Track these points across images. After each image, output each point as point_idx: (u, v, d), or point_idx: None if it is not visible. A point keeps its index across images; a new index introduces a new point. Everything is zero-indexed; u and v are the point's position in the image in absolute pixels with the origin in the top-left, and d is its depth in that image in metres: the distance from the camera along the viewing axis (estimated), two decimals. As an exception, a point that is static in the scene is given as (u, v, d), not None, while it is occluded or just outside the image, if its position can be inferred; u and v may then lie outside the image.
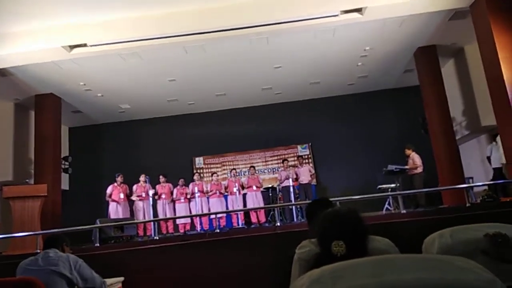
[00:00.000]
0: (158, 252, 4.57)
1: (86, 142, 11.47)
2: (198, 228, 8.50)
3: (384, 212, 7.58)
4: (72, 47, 6.96)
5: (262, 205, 8.85)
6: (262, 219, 8.68)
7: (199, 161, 11.41)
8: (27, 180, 8.52)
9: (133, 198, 8.44)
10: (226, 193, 9.01)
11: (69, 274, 2.61)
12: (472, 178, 8.83)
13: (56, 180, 8.92)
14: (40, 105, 9.11)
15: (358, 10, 6.66)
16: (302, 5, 6.63)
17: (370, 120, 11.03)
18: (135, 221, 7.94)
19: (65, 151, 10.44)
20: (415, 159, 7.73)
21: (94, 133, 11.62)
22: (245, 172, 10.73)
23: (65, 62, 7.55)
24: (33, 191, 6.40)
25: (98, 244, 5.36)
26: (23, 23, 6.64)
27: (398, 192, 7.20)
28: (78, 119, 11.04)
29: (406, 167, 7.75)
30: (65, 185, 10.15)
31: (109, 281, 3.60)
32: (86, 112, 10.70)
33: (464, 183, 7.77)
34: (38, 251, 4.90)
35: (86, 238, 7.02)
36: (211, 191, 8.82)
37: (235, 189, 8.63)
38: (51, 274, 2.55)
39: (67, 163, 10.08)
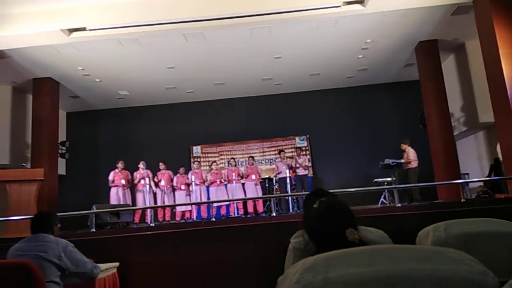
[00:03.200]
0: (153, 239, 4.60)
1: (83, 128, 11.44)
2: (195, 216, 8.52)
3: (379, 205, 7.62)
4: (71, 30, 6.90)
5: (260, 195, 8.87)
6: (260, 209, 8.71)
7: (196, 150, 11.40)
8: (23, 164, 8.50)
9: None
10: (226, 182, 9.02)
11: (57, 260, 2.58)
12: (468, 174, 8.88)
13: (53, 165, 8.91)
14: (38, 89, 9.05)
15: (361, 2, 6.63)
16: (304, -5, 6.58)
17: (369, 114, 11.02)
18: (131, 207, 7.96)
19: (62, 136, 10.41)
20: (409, 154, 7.77)
21: (92, 119, 11.57)
22: (243, 162, 10.74)
23: (63, 46, 7.47)
24: (29, 175, 6.38)
25: (94, 230, 5.38)
26: (22, 5, 6.56)
27: (393, 186, 7.23)
28: (76, 104, 10.98)
29: (402, 161, 7.79)
30: (61, 170, 10.14)
31: (104, 266, 3.62)
32: (84, 98, 10.64)
33: (460, 179, 7.81)
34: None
35: (82, 224, 7.05)
36: (210, 180, 8.82)
37: (233, 179, 8.64)
38: (40, 259, 2.54)
39: (64, 148, 10.06)
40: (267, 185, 9.22)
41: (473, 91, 8.71)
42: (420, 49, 8.80)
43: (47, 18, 6.68)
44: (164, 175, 8.75)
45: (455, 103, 9.22)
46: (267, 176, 9.50)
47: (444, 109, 8.51)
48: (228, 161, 10.39)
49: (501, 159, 6.82)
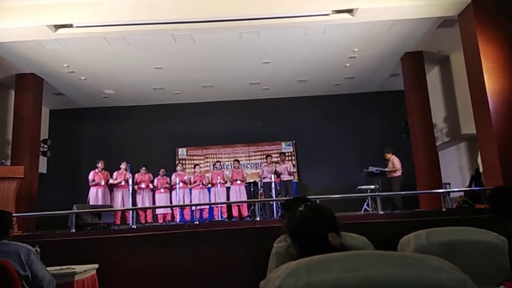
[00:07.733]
0: (135, 241, 4.53)
1: (66, 126, 11.22)
2: (178, 219, 8.44)
3: (362, 212, 7.69)
4: (58, 27, 6.77)
5: (245, 199, 8.85)
6: (245, 213, 8.69)
7: (181, 152, 11.32)
8: (3, 161, 8.29)
9: (111, 181, 8.30)
10: (209, 185, 8.96)
11: (22, 271, 2.35)
12: (449, 184, 9.04)
13: (33, 163, 8.71)
14: (21, 85, 8.85)
15: (349, 11, 6.70)
16: (294, 2, 6.63)
17: (354, 121, 11.15)
18: (113, 208, 7.84)
19: (44, 134, 10.19)
20: (395, 162, 7.88)
21: (76, 117, 11.36)
22: (228, 165, 10.72)
23: (49, 42, 7.32)
24: (9, 173, 6.23)
25: (74, 230, 5.27)
26: (7, -1, 6.43)
27: (376, 194, 7.32)
28: (60, 101, 10.77)
29: (386, 169, 7.89)
30: (42, 168, 9.91)
31: (83, 267, 3.56)
32: (69, 95, 10.45)
33: (442, 188, 7.95)
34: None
35: (62, 224, 6.91)
36: (194, 182, 8.77)
37: (218, 182, 8.60)
38: None
39: (46, 146, 9.85)
40: (251, 189, 9.21)
41: (456, 103, 8.90)
42: (406, 60, 8.96)
43: (33, 13, 6.55)
44: (144, 177, 8.65)
45: (438, 114, 9.40)
46: (252, 181, 9.50)
47: (427, 119, 8.67)
48: (214, 164, 10.36)
49: (481, 170, 6.97)
